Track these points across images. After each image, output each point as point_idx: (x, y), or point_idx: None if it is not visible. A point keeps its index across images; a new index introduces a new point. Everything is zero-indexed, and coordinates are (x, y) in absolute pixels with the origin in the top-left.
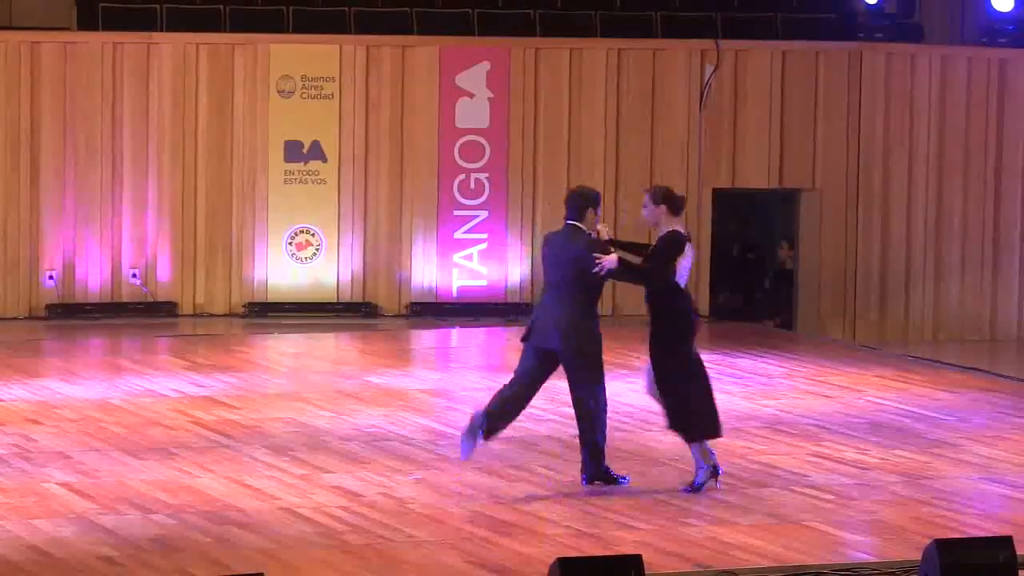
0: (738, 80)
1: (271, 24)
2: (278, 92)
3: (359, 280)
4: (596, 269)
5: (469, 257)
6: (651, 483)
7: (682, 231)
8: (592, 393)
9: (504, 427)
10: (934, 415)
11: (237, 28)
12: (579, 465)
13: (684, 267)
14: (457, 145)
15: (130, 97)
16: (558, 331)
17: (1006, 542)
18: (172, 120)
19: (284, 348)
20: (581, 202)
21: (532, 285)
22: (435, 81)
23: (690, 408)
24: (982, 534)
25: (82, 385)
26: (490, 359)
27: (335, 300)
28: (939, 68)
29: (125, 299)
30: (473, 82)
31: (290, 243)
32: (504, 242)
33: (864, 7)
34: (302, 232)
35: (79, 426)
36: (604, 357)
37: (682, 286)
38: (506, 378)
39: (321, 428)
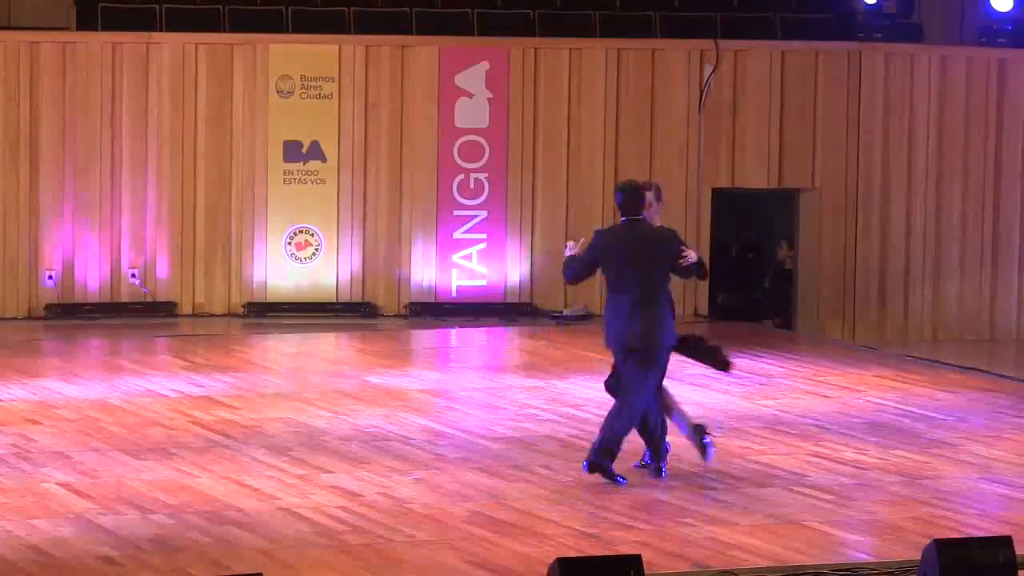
0: (737, 80)
1: (270, 24)
2: (277, 92)
3: (358, 280)
4: (682, 261)
5: (468, 257)
6: (651, 483)
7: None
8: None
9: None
10: (933, 415)
11: (236, 28)
12: (577, 465)
13: None
14: (456, 145)
15: (129, 97)
16: (661, 328)
17: (1005, 542)
18: (171, 120)
19: (283, 348)
20: (637, 196)
21: (532, 285)
22: (434, 81)
23: None
24: (981, 534)
25: (81, 385)
26: (489, 359)
27: (334, 300)
28: (938, 68)
29: (124, 299)
30: (472, 82)
31: (289, 243)
32: (503, 242)
33: (863, 7)
34: (301, 232)
35: (78, 426)
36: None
37: None
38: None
39: (320, 428)
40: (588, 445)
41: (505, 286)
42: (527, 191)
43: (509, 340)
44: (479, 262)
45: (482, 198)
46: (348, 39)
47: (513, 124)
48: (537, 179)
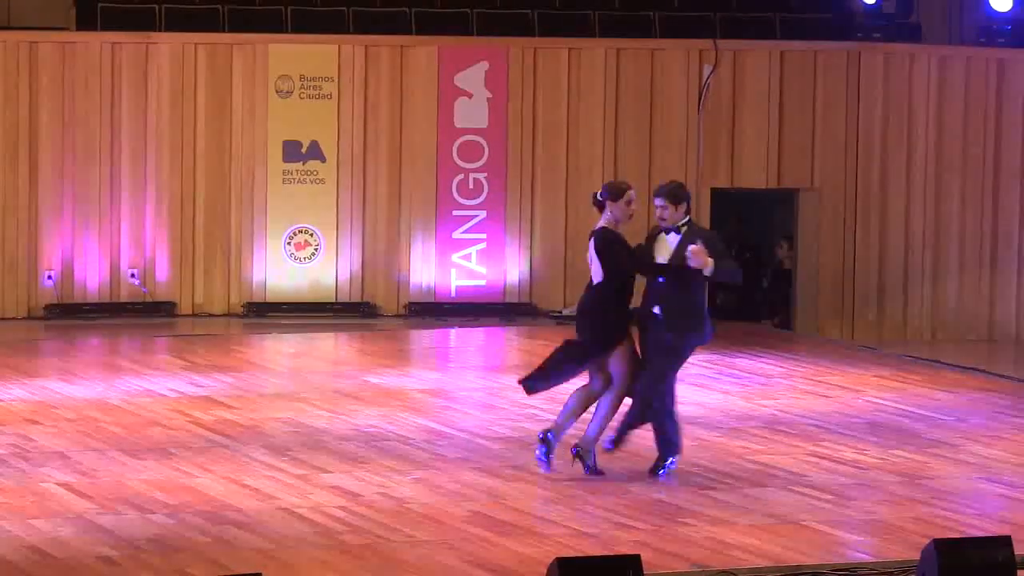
0: (736, 80)
1: (270, 24)
2: (276, 92)
3: (358, 280)
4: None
5: (468, 257)
6: (650, 483)
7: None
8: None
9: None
10: (932, 415)
11: (236, 28)
12: (576, 465)
13: None
14: (456, 145)
15: (129, 97)
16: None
17: (1005, 542)
18: (171, 120)
19: (283, 348)
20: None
21: (531, 285)
22: (434, 81)
23: None
24: (980, 534)
25: (81, 385)
26: (489, 359)
27: (334, 300)
28: (937, 68)
29: (124, 299)
30: (472, 82)
31: (289, 243)
32: (503, 242)
33: (862, 7)
34: (301, 232)
35: (78, 426)
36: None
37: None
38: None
39: (320, 428)
40: None
41: (504, 286)
42: (526, 191)
43: (508, 340)
44: (478, 262)
45: (481, 198)
46: (347, 39)
47: (512, 124)
48: (536, 179)
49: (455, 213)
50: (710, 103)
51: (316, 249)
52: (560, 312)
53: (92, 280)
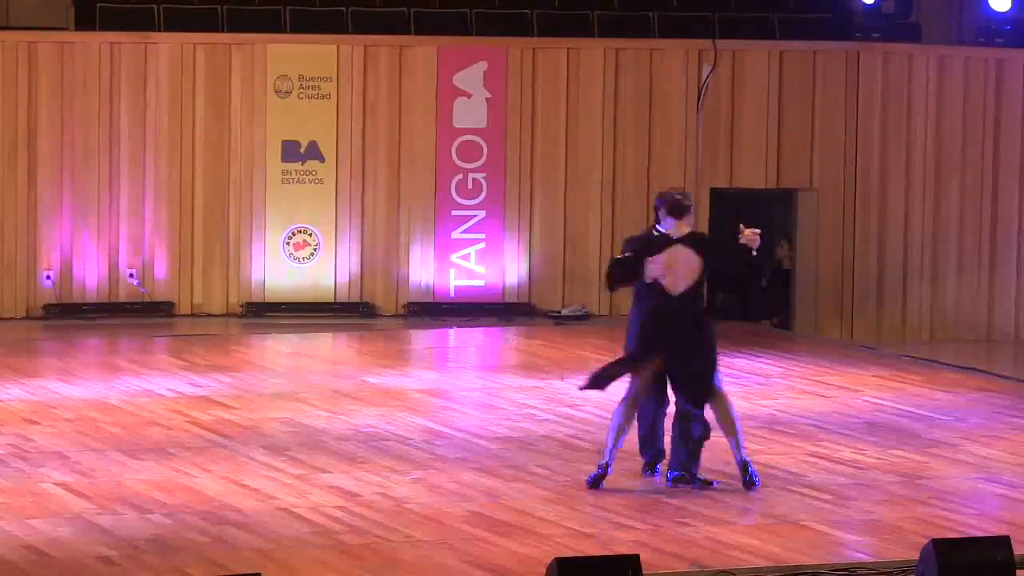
0: (735, 80)
1: (268, 24)
2: (275, 92)
3: (356, 280)
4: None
5: (467, 257)
6: (649, 483)
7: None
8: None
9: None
10: (931, 415)
11: (234, 28)
12: (575, 465)
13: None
14: (454, 145)
15: (127, 97)
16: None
17: (1004, 542)
18: (169, 120)
19: (281, 348)
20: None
21: (530, 285)
22: (432, 81)
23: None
24: (979, 534)
25: (79, 385)
26: (487, 359)
27: (332, 300)
28: (936, 68)
29: (122, 299)
30: (470, 82)
31: (287, 243)
32: (502, 242)
33: (861, 7)
34: (299, 232)
35: (76, 426)
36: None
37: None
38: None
39: (318, 428)
40: (586, 445)
41: (503, 286)
42: (525, 191)
43: (507, 340)
44: (477, 262)
45: (480, 198)
46: (346, 39)
47: (511, 124)
48: (535, 179)
49: (454, 213)
50: (709, 103)
51: (315, 249)
52: (559, 312)
53: (91, 280)
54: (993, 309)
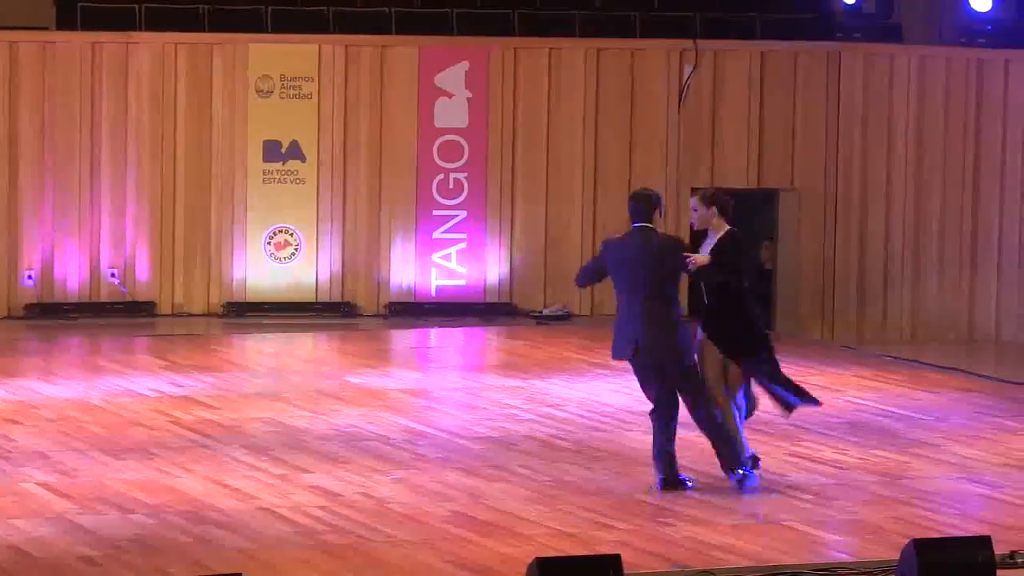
0: (717, 80)
1: (250, 24)
2: (257, 92)
3: (338, 280)
4: (689, 266)
5: (448, 257)
6: (630, 483)
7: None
8: (712, 402)
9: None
10: (913, 415)
11: (216, 28)
12: (557, 464)
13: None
14: (436, 145)
15: (109, 97)
16: (669, 339)
17: (984, 542)
18: (151, 120)
19: (263, 348)
20: (647, 204)
21: (511, 285)
22: (414, 81)
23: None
24: (960, 534)
25: (61, 385)
26: (469, 359)
27: (314, 300)
28: (917, 68)
29: (104, 299)
30: (452, 82)
31: (269, 243)
32: (483, 242)
33: (843, 7)
34: (281, 232)
35: (58, 426)
36: (586, 357)
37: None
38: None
39: (300, 428)
40: (568, 445)
41: (484, 286)
42: (506, 191)
43: (488, 340)
44: (458, 262)
45: (461, 198)
46: (328, 39)
47: (493, 124)
48: (517, 179)
49: (435, 213)
50: (690, 103)
51: (296, 249)
52: (540, 312)
53: (72, 280)
54: (974, 309)
